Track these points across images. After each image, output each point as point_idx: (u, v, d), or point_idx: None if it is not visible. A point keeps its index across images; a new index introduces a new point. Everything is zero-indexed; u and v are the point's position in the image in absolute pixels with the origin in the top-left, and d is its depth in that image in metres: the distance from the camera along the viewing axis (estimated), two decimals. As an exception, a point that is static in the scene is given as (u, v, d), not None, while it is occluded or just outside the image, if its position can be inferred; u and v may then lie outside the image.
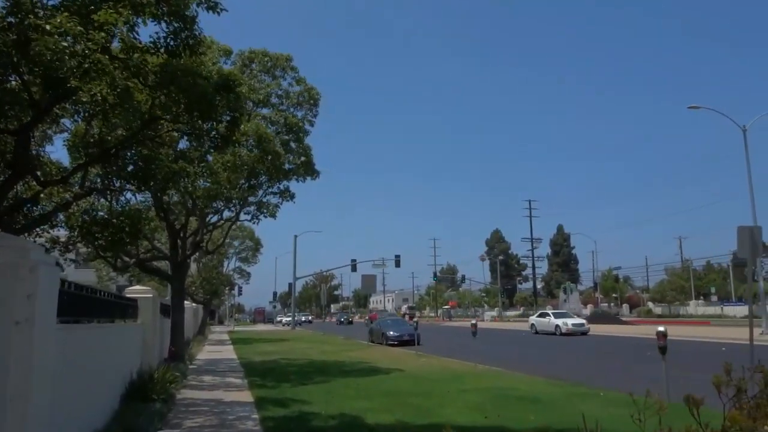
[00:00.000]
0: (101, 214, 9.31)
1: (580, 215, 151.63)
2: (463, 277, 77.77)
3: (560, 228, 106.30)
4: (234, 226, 40.58)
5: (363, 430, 7.21)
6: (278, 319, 77.21)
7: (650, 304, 64.12)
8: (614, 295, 68.19)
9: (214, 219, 16.21)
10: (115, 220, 9.13)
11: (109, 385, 7.94)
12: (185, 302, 25.00)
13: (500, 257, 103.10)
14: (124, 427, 7.03)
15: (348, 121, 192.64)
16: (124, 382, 8.94)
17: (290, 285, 56.60)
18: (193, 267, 37.51)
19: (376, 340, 27.75)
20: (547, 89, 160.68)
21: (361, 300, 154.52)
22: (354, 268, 57.73)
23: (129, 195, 12.27)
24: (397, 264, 55.29)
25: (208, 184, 10.75)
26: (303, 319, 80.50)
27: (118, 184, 8.70)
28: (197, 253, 32.49)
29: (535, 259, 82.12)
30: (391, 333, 26.91)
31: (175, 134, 7.87)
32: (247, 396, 10.49)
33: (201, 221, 15.64)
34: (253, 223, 14.63)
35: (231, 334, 39.47)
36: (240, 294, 62.54)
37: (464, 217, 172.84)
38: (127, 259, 14.64)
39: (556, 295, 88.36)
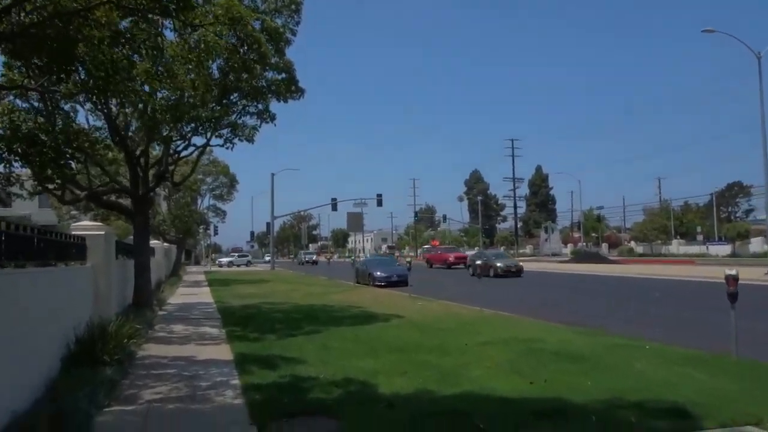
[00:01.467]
0: (27, 125, 7.15)
1: (559, 157, 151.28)
2: (445, 217, 76.54)
3: (539, 169, 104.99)
4: (206, 160, 38.45)
5: (379, 404, 5.52)
6: (223, 261, 65.52)
7: (632, 244, 64.08)
8: (594, 234, 67.93)
9: (182, 147, 13.98)
10: (44, 136, 6.98)
11: (43, 348, 6.09)
12: (156, 242, 23.21)
13: (479, 197, 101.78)
14: (57, 406, 5.20)
15: (327, 56, 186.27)
16: (68, 341, 7.07)
17: (268, 225, 54.71)
18: (164, 205, 35.26)
19: (363, 280, 26.60)
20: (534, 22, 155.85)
21: (340, 240, 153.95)
22: (334, 207, 56.11)
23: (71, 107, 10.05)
24: (379, 203, 53.70)
25: (166, 92, 8.68)
26: (306, 259, 71.53)
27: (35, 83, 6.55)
28: (165, 190, 30.22)
29: (515, 199, 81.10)
30: (379, 273, 25.71)
31: (115, 14, 5.65)
32: (225, 352, 8.76)
33: (165, 148, 13.45)
34: (227, 148, 12.53)
35: (208, 275, 38.00)
36: (216, 234, 60.72)
37: (443, 158, 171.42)
38: (77, 191, 12.49)
39: (535, 235, 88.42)
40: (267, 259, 79.12)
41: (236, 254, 71.03)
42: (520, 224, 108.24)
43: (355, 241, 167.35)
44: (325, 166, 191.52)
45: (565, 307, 15.60)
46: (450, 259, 43.33)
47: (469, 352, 8.31)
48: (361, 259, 34.31)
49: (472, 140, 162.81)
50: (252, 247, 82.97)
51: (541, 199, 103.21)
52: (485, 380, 6.50)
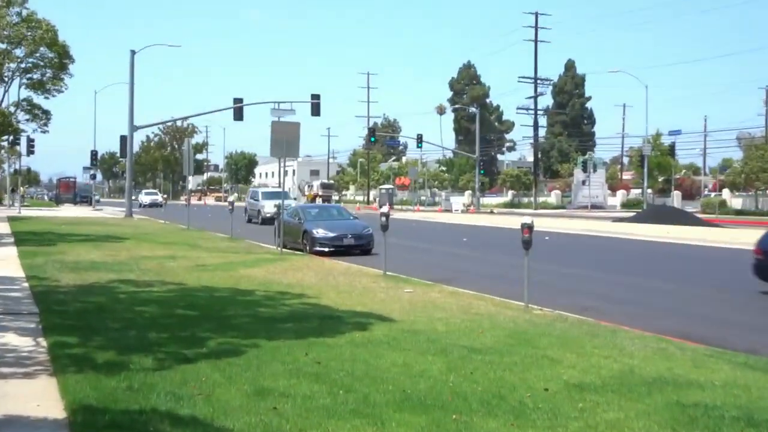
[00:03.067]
0: None
1: (600, 52, 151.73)
2: (419, 138, 74.12)
3: (570, 66, 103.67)
4: (15, 14, 34.60)
5: None
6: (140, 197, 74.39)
7: (725, 193, 64.69)
8: (659, 177, 67.23)
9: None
10: None
11: None
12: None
13: (474, 107, 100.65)
14: None
15: None
16: None
17: (123, 139, 50.86)
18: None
19: (292, 242, 24.91)
20: None
21: (241, 170, 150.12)
22: (239, 116, 52.63)
23: None
24: (316, 111, 50.77)
25: None
26: (149, 200, 78.68)
27: None
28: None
29: (535, 113, 79.90)
30: (322, 233, 24.22)
31: None
32: (47, 401, 6.54)
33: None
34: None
35: (14, 223, 36.36)
36: (31, 151, 57.36)
37: (415, 47, 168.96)
38: None
39: (562, 174, 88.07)
40: (148, 200, 77.01)
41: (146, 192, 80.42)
42: (540, 157, 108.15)
43: (265, 174, 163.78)
44: (228, 58, 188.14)
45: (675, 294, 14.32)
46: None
47: (562, 409, 6.39)
48: (292, 205, 32.15)
49: (462, 16, 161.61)
50: (93, 177, 79.12)
51: (573, 115, 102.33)
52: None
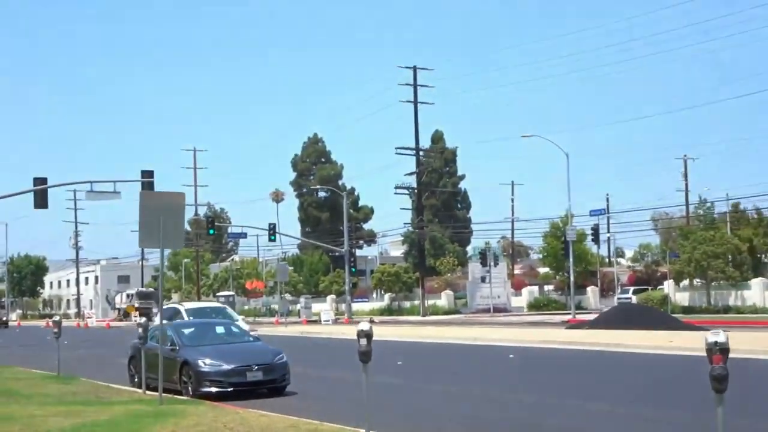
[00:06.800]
0: None
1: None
2: (273, 229, 69.93)
3: (438, 137, 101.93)
4: None
5: None
6: None
7: (668, 286, 63.16)
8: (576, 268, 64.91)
9: None
10: None
11: None
12: None
13: (323, 191, 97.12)
14: None
15: None
16: None
17: None
18: None
19: (157, 380, 19.38)
20: None
21: (25, 279, 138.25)
22: (41, 201, 46.64)
23: None
24: (147, 187, 45.05)
25: None
26: None
27: None
28: None
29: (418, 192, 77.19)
30: (210, 365, 19.29)
31: None
32: None
33: None
34: None
35: None
36: None
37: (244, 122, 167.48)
38: None
39: (439, 268, 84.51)
40: None
41: None
42: (403, 248, 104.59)
43: (58, 283, 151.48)
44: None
45: None
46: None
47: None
48: (154, 323, 26.47)
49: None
50: None
51: (444, 198, 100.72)
52: None
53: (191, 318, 27.14)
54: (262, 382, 19.41)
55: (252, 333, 25.47)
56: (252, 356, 19.93)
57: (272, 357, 19.83)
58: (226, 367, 19.20)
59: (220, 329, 22.90)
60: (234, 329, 23.20)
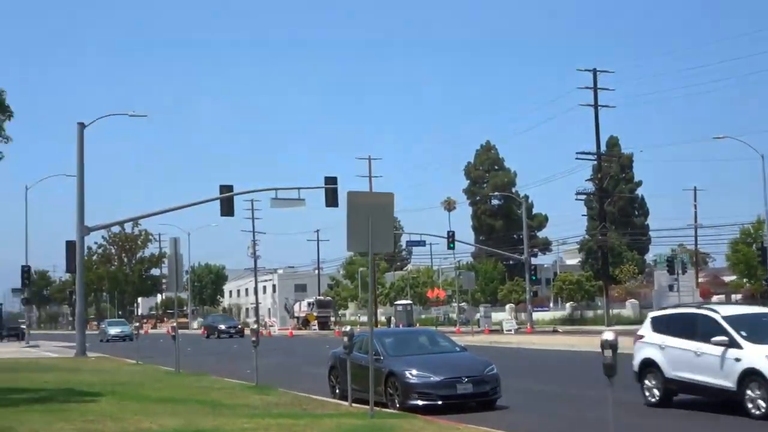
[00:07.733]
0: None
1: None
2: (452, 237, 69.94)
3: (614, 143, 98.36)
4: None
5: None
6: None
7: None
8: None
9: None
10: None
11: None
12: None
13: (496, 198, 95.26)
14: None
15: None
16: None
17: (71, 246, 44.44)
18: None
19: (362, 391, 18.72)
20: None
21: (206, 288, 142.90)
22: (227, 209, 47.11)
23: None
24: (332, 201, 45.00)
25: None
26: (116, 332, 73.72)
27: None
28: None
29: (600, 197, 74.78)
30: (418, 376, 18.75)
31: None
32: None
33: None
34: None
35: None
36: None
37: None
38: None
39: (619, 277, 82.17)
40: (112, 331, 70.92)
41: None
42: (580, 255, 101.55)
43: (237, 292, 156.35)
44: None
45: None
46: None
47: None
48: (356, 331, 25.92)
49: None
50: (27, 303, 74.71)
51: (620, 205, 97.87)
52: None
53: None
54: (473, 395, 18.59)
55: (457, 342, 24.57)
56: (461, 368, 19.16)
57: (482, 368, 18.98)
58: (434, 378, 18.47)
59: (423, 338, 22.27)
60: (439, 338, 22.36)
